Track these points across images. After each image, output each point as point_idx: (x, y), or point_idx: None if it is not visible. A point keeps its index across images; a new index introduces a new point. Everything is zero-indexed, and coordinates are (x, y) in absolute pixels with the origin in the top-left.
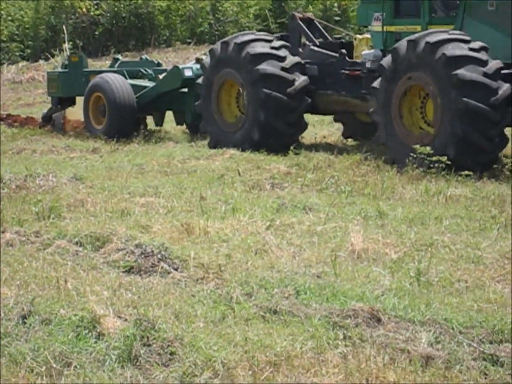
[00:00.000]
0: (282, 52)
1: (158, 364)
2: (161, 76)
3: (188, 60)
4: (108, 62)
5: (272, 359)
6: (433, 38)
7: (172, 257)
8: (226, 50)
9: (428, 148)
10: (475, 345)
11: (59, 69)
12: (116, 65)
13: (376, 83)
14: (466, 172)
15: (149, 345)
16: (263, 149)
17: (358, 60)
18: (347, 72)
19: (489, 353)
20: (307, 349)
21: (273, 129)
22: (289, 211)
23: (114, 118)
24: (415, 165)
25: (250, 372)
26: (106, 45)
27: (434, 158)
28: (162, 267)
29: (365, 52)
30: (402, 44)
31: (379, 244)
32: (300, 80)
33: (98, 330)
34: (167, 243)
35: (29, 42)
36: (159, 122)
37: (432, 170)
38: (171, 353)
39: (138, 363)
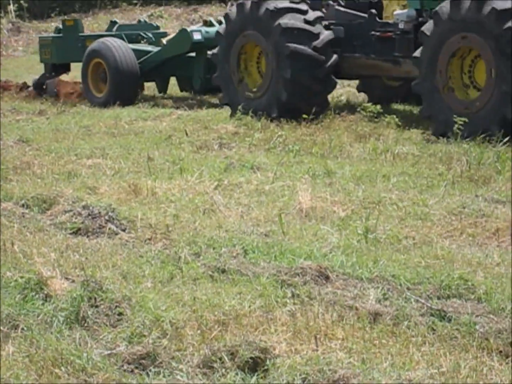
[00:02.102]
0: (303, 6)
1: (106, 325)
2: (164, 40)
3: (135, 21)
4: (54, 24)
5: (220, 318)
6: None
7: (119, 218)
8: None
9: (378, 107)
10: (422, 301)
11: (52, 34)
12: (114, 28)
13: (417, 53)
14: (415, 130)
15: (96, 306)
16: (291, 112)
17: (390, 21)
18: (377, 33)
19: (437, 308)
20: (255, 308)
21: (301, 86)
22: (237, 171)
23: (116, 85)
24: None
25: (199, 332)
26: (51, 6)
27: (387, 119)
28: (109, 228)
29: (397, 12)
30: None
31: (327, 202)
32: (325, 34)
33: (45, 292)
34: (115, 204)
35: None
36: (163, 88)
37: (380, 129)
38: (119, 314)
39: (86, 324)
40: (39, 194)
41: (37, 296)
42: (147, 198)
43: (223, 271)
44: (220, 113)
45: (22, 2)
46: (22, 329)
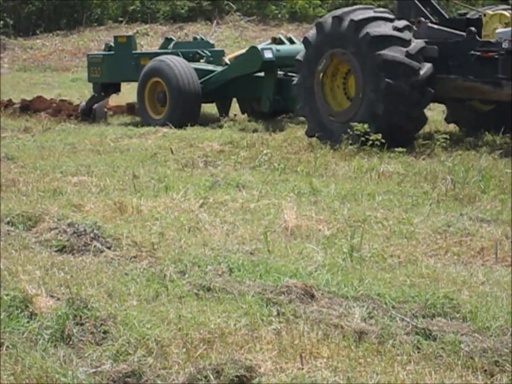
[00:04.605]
0: (389, 15)
1: (91, 343)
2: (227, 59)
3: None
4: (39, 41)
5: (206, 336)
6: None
7: (105, 235)
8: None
9: (365, 126)
10: (408, 319)
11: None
12: (171, 46)
13: None
14: (400, 149)
15: (82, 324)
16: (389, 128)
17: (492, 40)
18: (478, 53)
19: (422, 327)
20: (240, 326)
21: (398, 95)
22: (222, 189)
23: (177, 107)
24: (349, 142)
25: (184, 350)
26: (37, 23)
27: (372, 137)
28: (95, 246)
29: (500, 30)
30: None
31: (312, 220)
32: (416, 41)
33: (31, 310)
34: (100, 222)
35: None
36: (224, 110)
37: (366, 147)
38: (104, 332)
39: (71, 342)
40: (24, 211)
41: (22, 314)
42: (133, 216)
43: (209, 289)
44: (205, 131)
45: (7, 19)
46: (7, 347)
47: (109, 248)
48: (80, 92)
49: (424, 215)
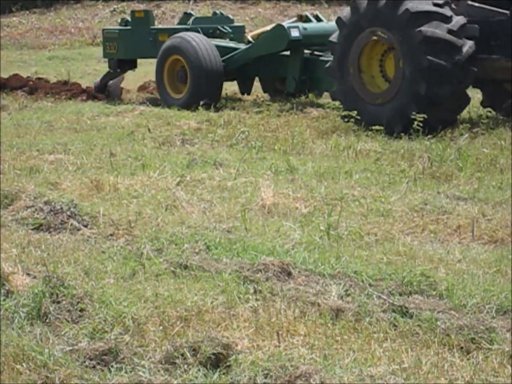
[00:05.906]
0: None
1: (68, 321)
2: (249, 36)
3: (98, 16)
4: (16, 19)
5: (182, 314)
6: None
7: (81, 213)
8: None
9: (337, 102)
10: (384, 297)
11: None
12: (190, 21)
13: None
14: (377, 127)
15: (58, 302)
16: (432, 106)
17: None
18: None
19: (399, 305)
20: (218, 304)
21: (441, 72)
22: (200, 167)
23: (199, 85)
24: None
25: (161, 328)
26: (13, 1)
27: (344, 113)
28: (71, 224)
29: None
30: None
31: (289, 198)
32: (457, 18)
33: (7, 288)
34: (77, 200)
35: None
36: (247, 89)
37: (342, 125)
38: (81, 310)
39: (47, 320)
40: (0, 189)
41: None
42: (109, 194)
43: (186, 267)
44: (182, 109)
45: None
46: None
47: (85, 226)
48: (56, 70)
49: (401, 193)
